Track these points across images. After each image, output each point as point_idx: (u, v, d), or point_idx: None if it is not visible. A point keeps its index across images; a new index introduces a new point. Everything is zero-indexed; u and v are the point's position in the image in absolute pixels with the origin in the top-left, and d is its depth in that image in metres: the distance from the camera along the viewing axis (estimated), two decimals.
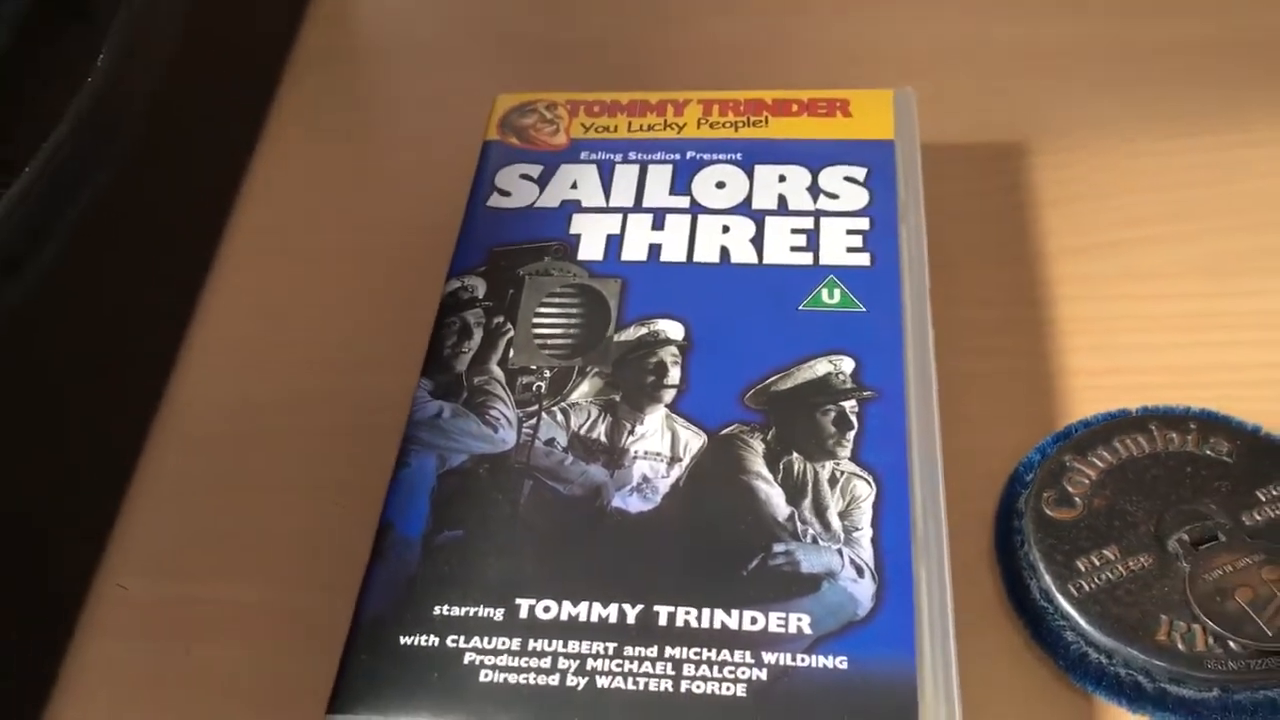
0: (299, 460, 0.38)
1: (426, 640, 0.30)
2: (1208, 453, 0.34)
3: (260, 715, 0.33)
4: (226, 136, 0.46)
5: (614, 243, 0.38)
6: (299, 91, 0.50)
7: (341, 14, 0.54)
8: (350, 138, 0.48)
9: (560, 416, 0.34)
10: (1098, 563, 0.32)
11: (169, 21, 0.36)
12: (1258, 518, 0.32)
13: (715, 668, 0.29)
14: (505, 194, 0.40)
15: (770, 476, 0.32)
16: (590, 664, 0.29)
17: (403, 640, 0.30)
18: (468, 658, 0.30)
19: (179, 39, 0.37)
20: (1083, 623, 0.31)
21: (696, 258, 0.38)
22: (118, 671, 0.34)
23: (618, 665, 0.29)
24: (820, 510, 0.32)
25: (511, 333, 0.36)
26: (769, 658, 0.29)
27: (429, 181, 0.46)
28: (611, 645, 0.30)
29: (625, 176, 0.40)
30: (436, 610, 0.30)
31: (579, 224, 0.39)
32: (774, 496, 0.32)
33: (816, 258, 0.37)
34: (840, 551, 0.31)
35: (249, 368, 0.41)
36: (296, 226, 0.45)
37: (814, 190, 0.39)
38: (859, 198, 0.39)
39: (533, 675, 0.29)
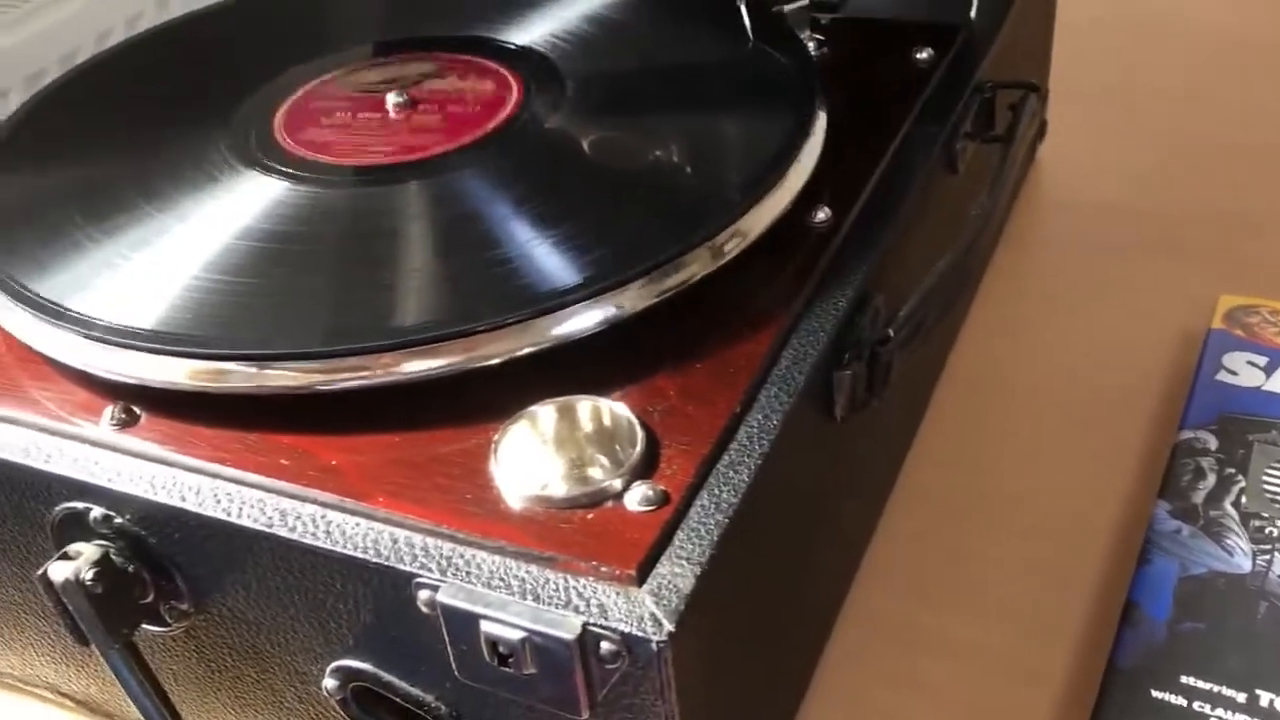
0: (1017, 539, 0.46)
1: (1175, 699, 0.36)
2: None
3: None
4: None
5: None
6: (1006, 265, 0.60)
7: (1046, 207, 0.64)
8: (1055, 309, 0.57)
9: None
10: None
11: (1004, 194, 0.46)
12: None
13: None
14: (1232, 373, 0.47)
15: None
16: None
17: (1154, 694, 0.36)
18: None
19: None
20: None
21: None
22: (859, 663, 0.43)
23: None
24: None
25: (1243, 483, 0.43)
26: None
27: (1131, 351, 0.53)
28: None
29: None
30: (1183, 679, 0.37)
31: None
32: None
33: None
34: None
35: (982, 460, 0.49)
36: (1005, 369, 0.54)
37: None
38: None
39: None
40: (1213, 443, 0.44)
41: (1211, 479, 0.43)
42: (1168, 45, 0.77)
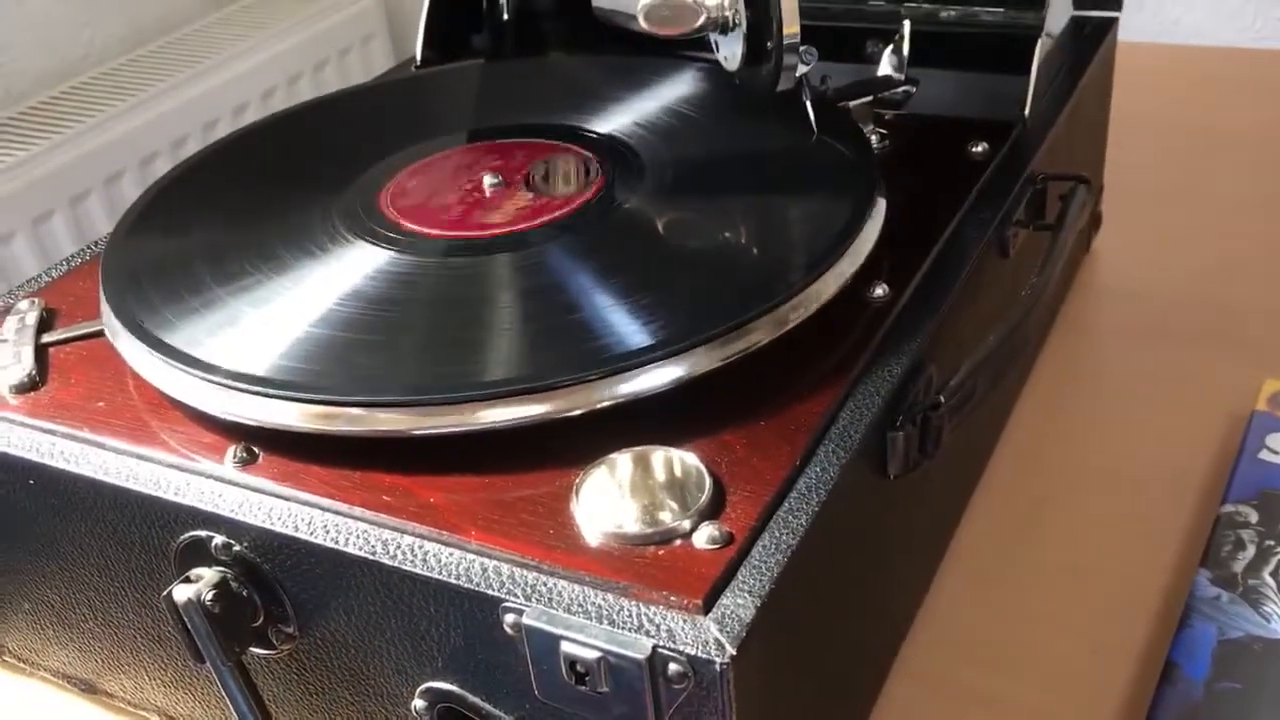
0: (1064, 603, 0.48)
1: None
2: None
3: None
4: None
5: None
6: (1061, 348, 0.63)
7: (1099, 295, 0.66)
8: (1106, 390, 0.60)
9: None
10: None
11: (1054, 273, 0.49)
12: None
13: None
14: (1274, 453, 0.49)
15: None
16: None
17: None
18: None
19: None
20: None
21: None
22: (907, 716, 0.45)
23: None
24: None
25: None
26: None
27: (1178, 430, 0.55)
28: None
29: None
30: None
31: None
32: None
33: None
34: None
35: (1031, 527, 0.52)
36: (1056, 444, 0.57)
37: None
38: None
39: None
40: (1253, 516, 0.47)
41: (1251, 550, 0.45)
42: (1222, 143, 0.80)
